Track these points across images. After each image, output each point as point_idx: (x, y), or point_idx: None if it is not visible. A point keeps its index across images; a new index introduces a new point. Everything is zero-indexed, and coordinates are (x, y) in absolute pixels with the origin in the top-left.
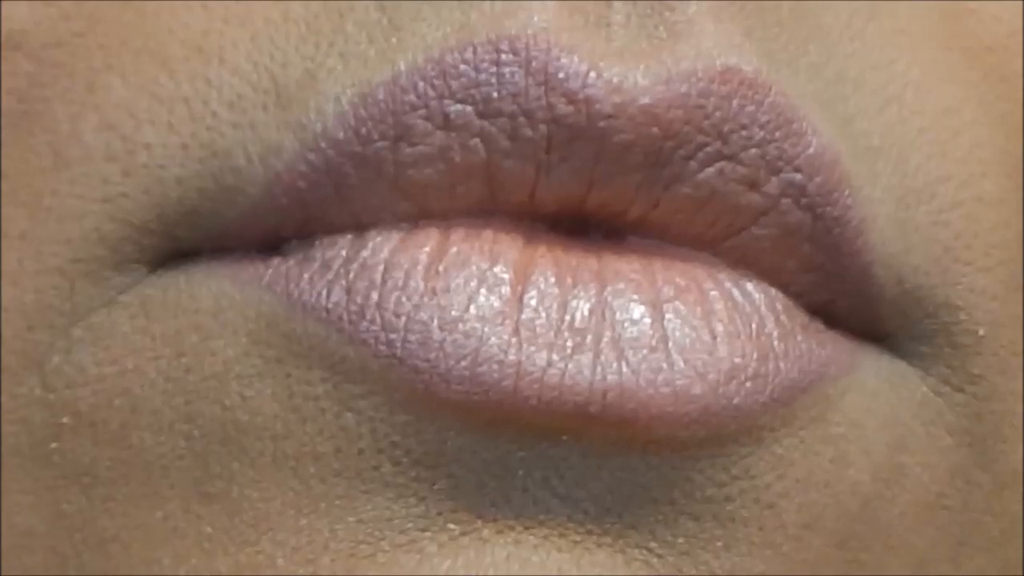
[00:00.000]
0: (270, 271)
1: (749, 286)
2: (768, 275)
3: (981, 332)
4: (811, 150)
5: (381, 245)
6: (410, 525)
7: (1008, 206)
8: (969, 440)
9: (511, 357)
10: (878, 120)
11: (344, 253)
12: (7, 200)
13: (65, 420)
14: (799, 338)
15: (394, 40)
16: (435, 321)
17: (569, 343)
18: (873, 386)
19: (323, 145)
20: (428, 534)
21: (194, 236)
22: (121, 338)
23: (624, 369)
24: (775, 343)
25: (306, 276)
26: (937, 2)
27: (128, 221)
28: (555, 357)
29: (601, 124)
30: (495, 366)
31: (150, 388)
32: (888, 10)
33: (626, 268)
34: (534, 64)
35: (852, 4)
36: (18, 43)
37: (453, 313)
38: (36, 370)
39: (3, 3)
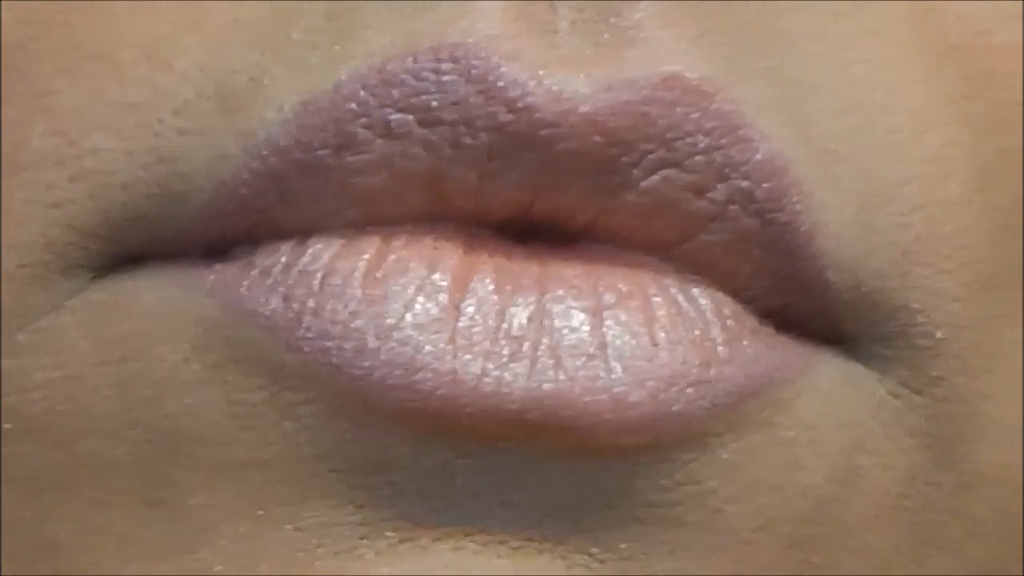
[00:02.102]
0: (213, 276)
1: (696, 292)
2: (720, 280)
3: (939, 335)
4: (759, 156)
5: (321, 252)
6: (349, 532)
7: (976, 207)
8: (929, 441)
9: (446, 365)
10: (838, 123)
11: (284, 260)
12: None
13: (12, 426)
14: (746, 343)
15: (338, 48)
16: (371, 329)
17: (506, 351)
18: (828, 388)
19: (266, 153)
20: (367, 541)
21: (141, 241)
22: (68, 343)
23: (561, 376)
24: (720, 349)
25: (246, 282)
26: (905, 3)
27: (73, 226)
28: (490, 365)
29: (543, 133)
30: (430, 374)
31: (95, 394)
32: (854, 11)
33: (568, 274)
34: (474, 72)
35: (817, 5)
36: None
37: (388, 321)
38: None
39: None
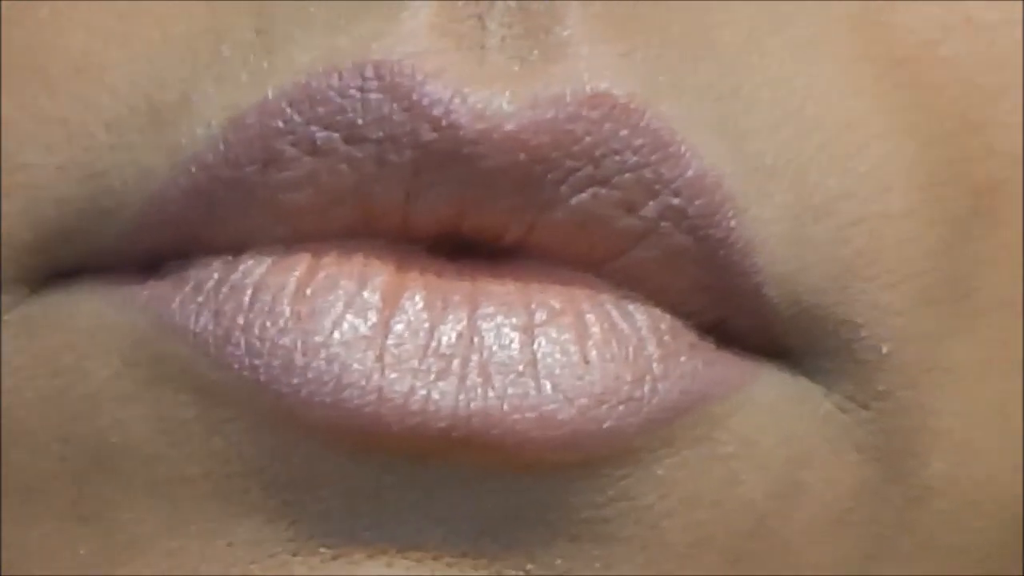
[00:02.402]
0: (145, 292)
1: (631, 308)
2: (656, 296)
3: (884, 349)
4: (690, 173)
5: (252, 268)
6: (280, 549)
7: (921, 220)
8: (877, 455)
9: (373, 383)
10: (773, 137)
11: (217, 276)
12: None
13: None
14: (683, 359)
15: (266, 64)
16: (299, 346)
17: (434, 368)
18: (770, 403)
19: (193, 169)
20: (299, 558)
21: (75, 256)
22: (3, 357)
23: (489, 394)
24: (654, 365)
25: (177, 298)
26: (847, 10)
27: (6, 242)
28: (417, 383)
29: (466, 150)
30: (357, 391)
31: (28, 408)
32: (792, 23)
33: (500, 291)
34: (399, 90)
35: (754, 18)
36: None
37: (316, 338)
38: None
39: None
